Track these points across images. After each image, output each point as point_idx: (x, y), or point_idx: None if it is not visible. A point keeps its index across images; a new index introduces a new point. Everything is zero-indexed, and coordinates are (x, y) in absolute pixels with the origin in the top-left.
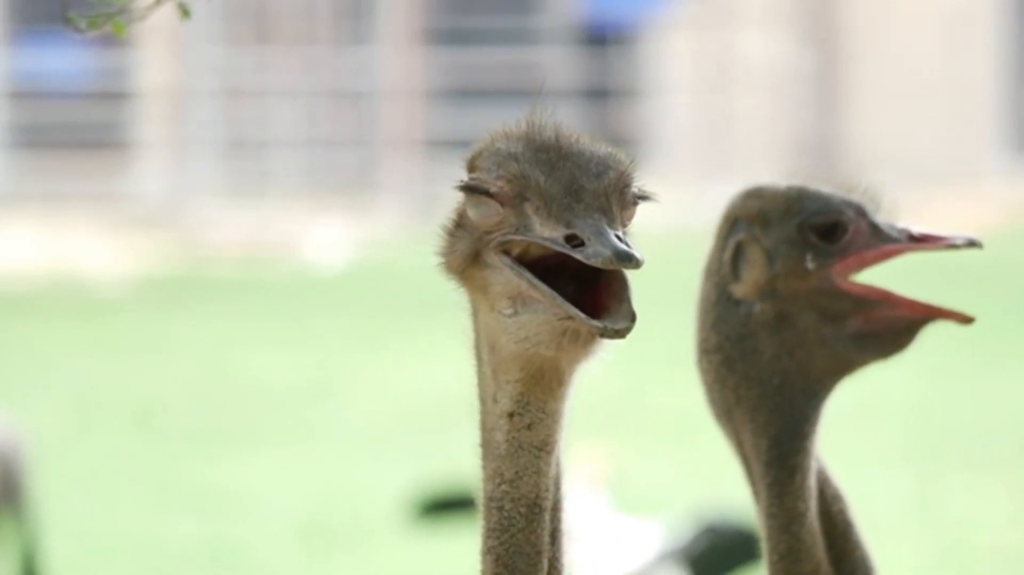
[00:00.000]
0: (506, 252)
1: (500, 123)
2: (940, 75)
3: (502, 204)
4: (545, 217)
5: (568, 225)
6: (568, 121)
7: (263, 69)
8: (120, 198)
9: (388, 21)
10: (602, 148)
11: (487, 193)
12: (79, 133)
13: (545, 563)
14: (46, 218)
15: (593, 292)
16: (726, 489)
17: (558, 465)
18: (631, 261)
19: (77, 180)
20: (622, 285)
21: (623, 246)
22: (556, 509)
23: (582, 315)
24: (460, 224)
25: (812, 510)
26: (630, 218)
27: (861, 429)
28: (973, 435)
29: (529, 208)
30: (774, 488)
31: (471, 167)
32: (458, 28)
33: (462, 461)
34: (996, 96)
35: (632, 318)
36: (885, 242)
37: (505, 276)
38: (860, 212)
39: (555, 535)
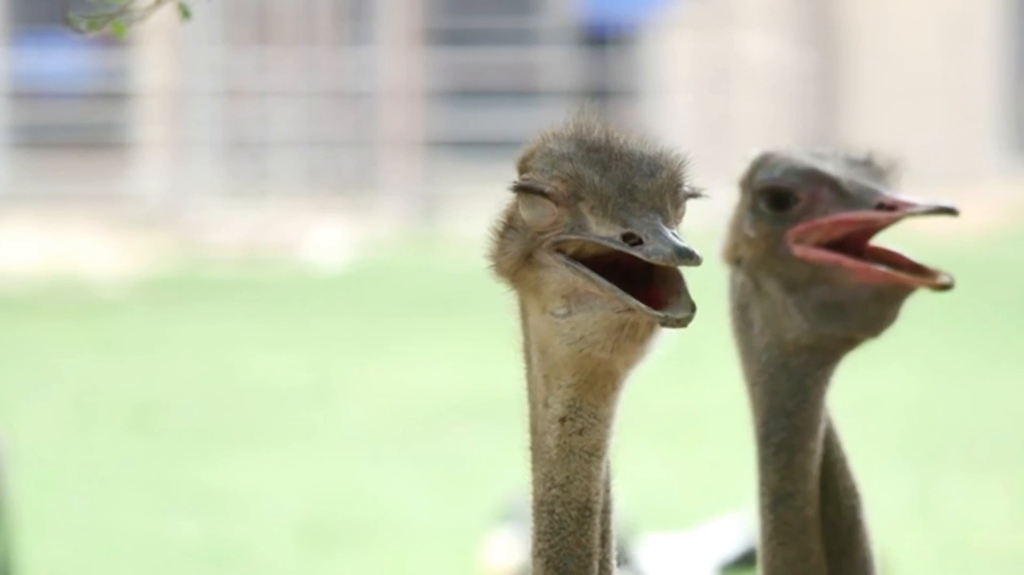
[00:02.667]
0: (560, 251)
1: (500, 123)
2: (940, 75)
3: (556, 204)
4: (601, 216)
5: (624, 224)
6: (569, 121)
7: (263, 69)
8: (120, 198)
9: (388, 21)
10: (651, 147)
11: (541, 193)
12: (79, 133)
13: (596, 565)
14: (46, 218)
15: (644, 292)
16: (722, 490)
17: (608, 467)
18: (692, 258)
19: (77, 180)
20: (677, 279)
21: (683, 243)
22: (606, 511)
23: (643, 306)
24: (510, 225)
25: (803, 494)
26: (681, 216)
27: (860, 428)
28: (973, 435)
29: (584, 208)
30: (762, 465)
31: (523, 168)
32: (458, 28)
33: (462, 460)
34: (996, 96)
35: (692, 308)
36: (848, 211)
37: (560, 274)
38: (824, 181)
39: (605, 537)
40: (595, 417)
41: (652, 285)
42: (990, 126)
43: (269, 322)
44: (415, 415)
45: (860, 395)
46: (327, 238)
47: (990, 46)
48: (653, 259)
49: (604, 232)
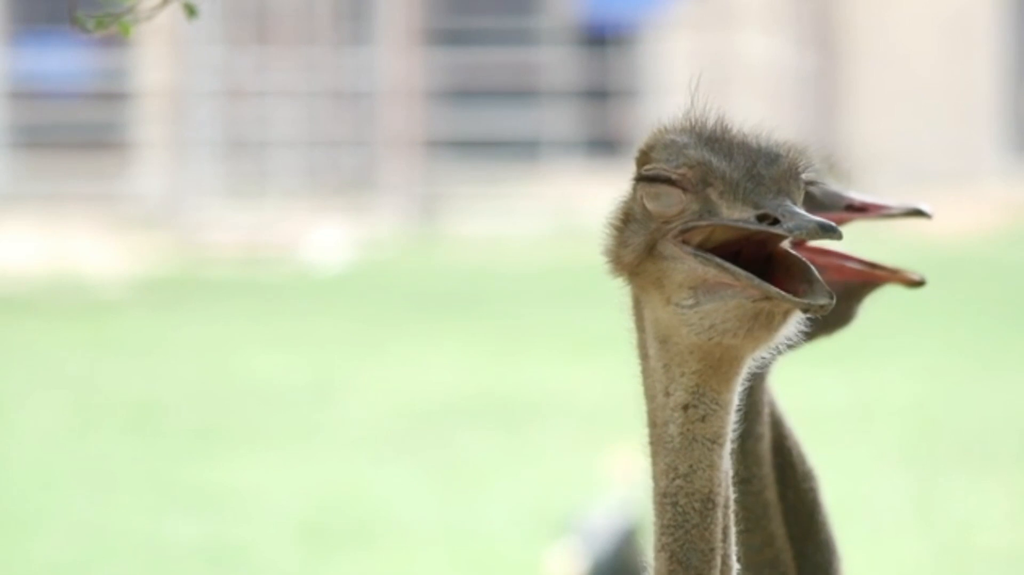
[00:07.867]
0: (685, 242)
1: (500, 123)
2: (940, 75)
3: (684, 191)
4: (732, 200)
5: (756, 206)
6: (568, 121)
7: (263, 69)
8: (120, 198)
9: (388, 21)
10: (763, 139)
11: (668, 181)
12: (79, 133)
13: (719, 559)
14: (46, 218)
15: (769, 282)
16: None
17: (728, 461)
18: (834, 232)
19: (77, 180)
20: (806, 268)
21: (822, 219)
22: (727, 506)
23: (785, 294)
24: (629, 219)
25: (759, 478)
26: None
27: (860, 430)
28: (972, 435)
29: (713, 193)
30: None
31: (643, 160)
32: (458, 28)
33: (462, 460)
34: (996, 96)
35: (830, 295)
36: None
37: (687, 265)
38: None
39: (726, 532)
40: (717, 403)
41: (775, 276)
42: (990, 126)
43: (269, 322)
44: (415, 415)
45: (860, 396)
46: (327, 238)
47: (990, 46)
48: (796, 234)
49: (736, 215)
